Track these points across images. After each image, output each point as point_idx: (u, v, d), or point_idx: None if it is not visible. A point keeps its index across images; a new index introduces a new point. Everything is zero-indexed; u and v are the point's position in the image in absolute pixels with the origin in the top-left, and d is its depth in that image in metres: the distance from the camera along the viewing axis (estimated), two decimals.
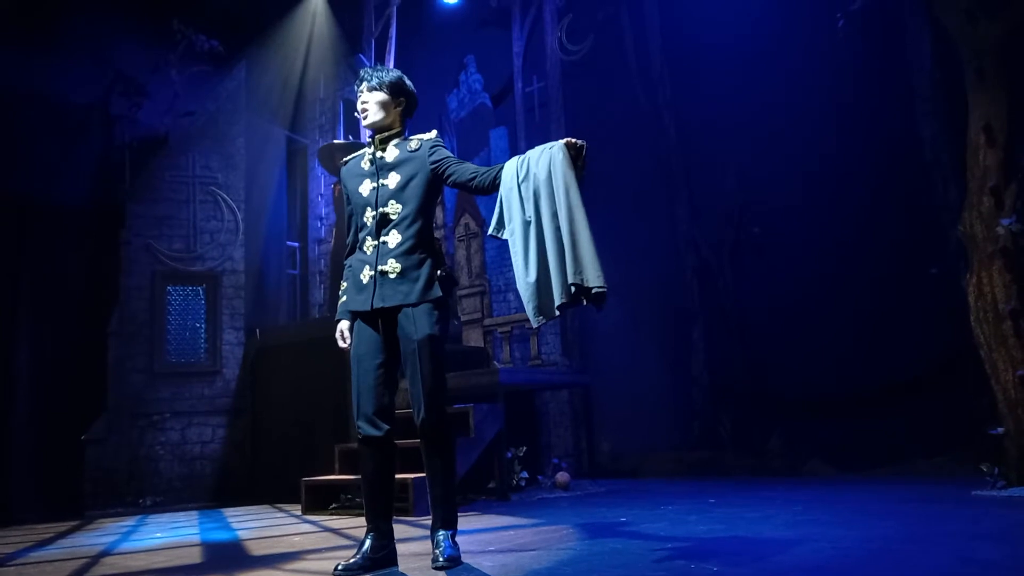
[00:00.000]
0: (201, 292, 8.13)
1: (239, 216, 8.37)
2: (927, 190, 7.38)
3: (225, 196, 8.34)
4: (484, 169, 3.19)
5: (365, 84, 3.21)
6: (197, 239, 8.16)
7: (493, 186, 3.15)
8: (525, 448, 6.94)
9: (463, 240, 9.51)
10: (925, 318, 7.17)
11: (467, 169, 3.18)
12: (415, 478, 5.23)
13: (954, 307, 6.18)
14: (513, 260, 3.05)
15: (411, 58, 10.06)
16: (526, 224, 3.03)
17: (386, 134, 3.25)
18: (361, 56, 9.73)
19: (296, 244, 9.73)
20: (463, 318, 9.26)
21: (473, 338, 9.10)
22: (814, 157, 8.09)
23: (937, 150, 7.33)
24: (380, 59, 9.61)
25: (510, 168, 3.14)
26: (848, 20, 7.09)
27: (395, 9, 9.77)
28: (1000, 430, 4.93)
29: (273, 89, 9.56)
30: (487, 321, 9.19)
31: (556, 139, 9.65)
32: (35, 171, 7.55)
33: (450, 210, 10.13)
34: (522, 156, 3.13)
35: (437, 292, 3.02)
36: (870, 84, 7.91)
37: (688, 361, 9.13)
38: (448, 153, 3.19)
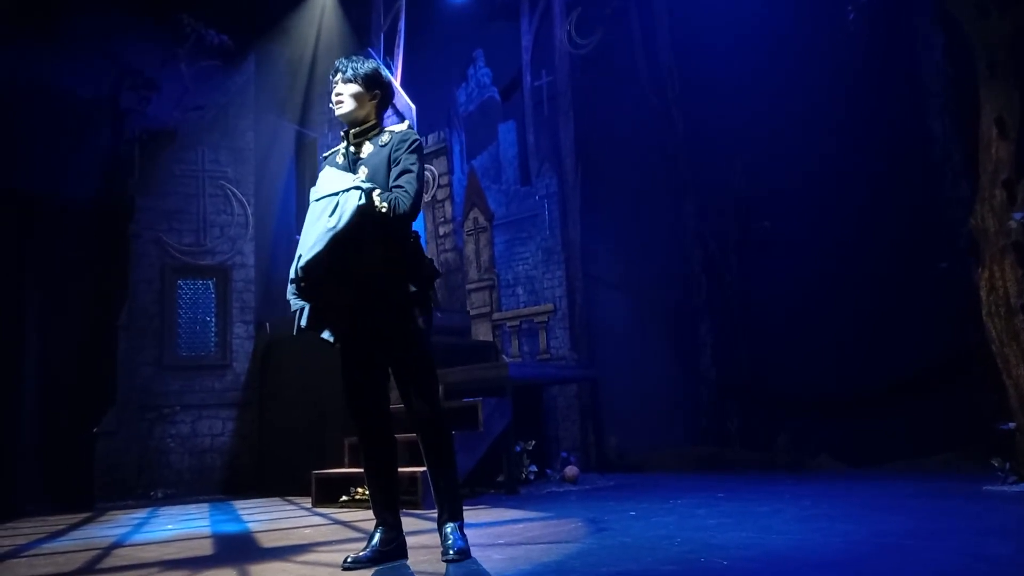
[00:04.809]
0: (211, 286, 8.16)
1: (249, 210, 8.39)
2: (936, 186, 7.34)
3: (235, 190, 8.36)
4: (394, 184, 3.01)
5: (340, 75, 3.15)
6: (207, 233, 8.19)
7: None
8: (533, 442, 6.95)
9: (472, 234, 9.52)
10: (933, 315, 7.14)
11: (393, 176, 3.04)
12: (423, 471, 5.24)
13: (962, 304, 6.16)
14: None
15: (420, 52, 10.07)
16: None
17: (361, 128, 3.18)
18: (370, 50, 9.72)
19: None
20: (472, 312, 9.27)
21: (482, 332, 9.12)
22: (822, 153, 8.06)
23: (947, 146, 7.29)
24: (389, 53, 9.60)
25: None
26: (858, 12, 7.05)
27: (404, 3, 9.76)
28: (1011, 425, 4.91)
29: (282, 83, 9.58)
30: (496, 315, 9.20)
31: (564, 134, 9.61)
32: (44, 165, 7.58)
33: (459, 204, 10.14)
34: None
35: (411, 288, 3.00)
36: (879, 79, 7.87)
37: (695, 356, 9.12)
38: (406, 152, 3.04)
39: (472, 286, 9.45)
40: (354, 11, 9.88)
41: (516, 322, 9.16)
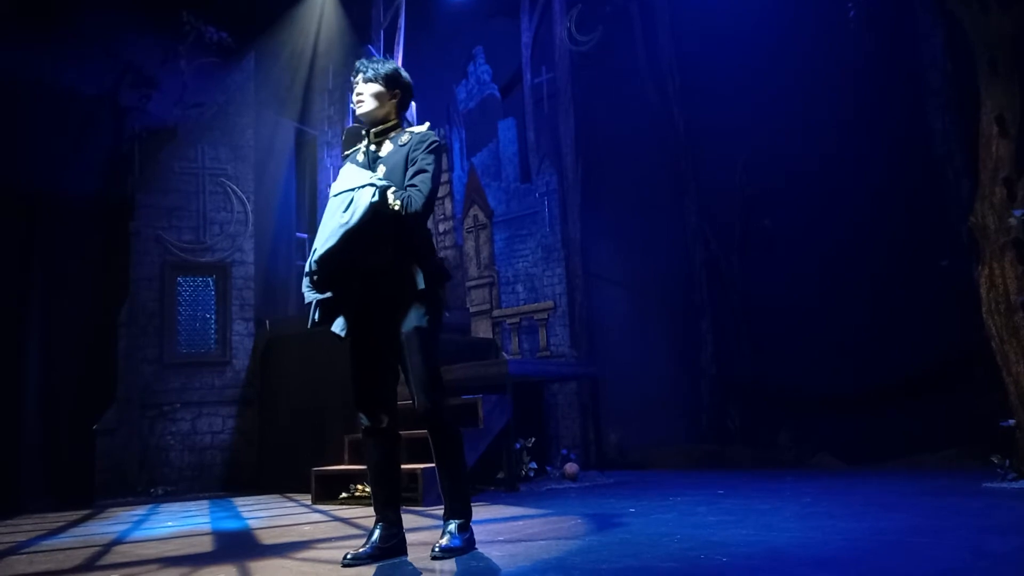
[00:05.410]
0: (211, 283, 8.15)
1: (248, 207, 8.38)
2: (938, 184, 7.34)
3: (234, 187, 8.35)
4: (408, 183, 3.03)
5: (361, 75, 3.21)
6: (207, 230, 8.18)
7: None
8: (533, 439, 6.95)
9: (471, 231, 9.52)
10: (934, 312, 7.15)
11: (409, 175, 3.07)
12: (424, 468, 5.25)
13: (964, 301, 6.16)
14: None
15: (420, 49, 10.05)
16: None
17: (381, 127, 3.23)
18: (370, 47, 9.71)
19: (305, 235, 9.75)
20: (472, 309, 9.27)
21: (482, 329, 9.12)
22: (823, 151, 8.06)
23: (949, 143, 7.29)
24: (389, 50, 9.60)
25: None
26: (859, 10, 7.05)
27: (404, 0, 9.76)
28: (1011, 422, 4.91)
29: (282, 81, 9.57)
30: (495, 312, 9.20)
31: (565, 131, 9.59)
32: (45, 162, 7.58)
33: (459, 202, 10.14)
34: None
35: (420, 285, 3.01)
36: (880, 77, 7.87)
37: (696, 354, 9.12)
38: (424, 152, 3.08)
39: (472, 283, 9.45)
40: (354, 8, 9.86)
41: (516, 319, 9.16)
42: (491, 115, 10.66)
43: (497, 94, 10.80)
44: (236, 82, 8.63)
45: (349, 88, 9.60)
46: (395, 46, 9.51)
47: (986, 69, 5.22)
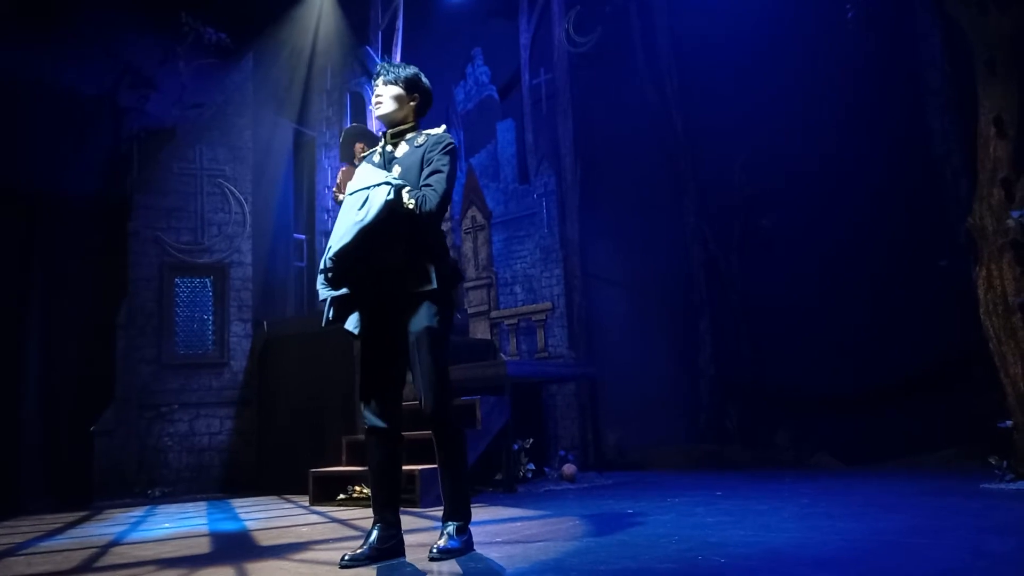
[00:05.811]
0: (208, 284, 8.14)
1: (246, 208, 8.37)
2: (937, 184, 7.34)
3: (232, 188, 8.34)
4: (423, 183, 3.08)
5: (382, 78, 3.28)
6: (205, 231, 8.17)
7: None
8: (532, 440, 6.94)
9: (469, 232, 9.51)
10: (934, 312, 7.14)
11: (424, 176, 3.11)
12: (422, 469, 5.24)
13: (963, 301, 6.16)
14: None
15: (418, 50, 10.05)
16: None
17: (399, 128, 3.29)
18: (368, 48, 9.71)
19: (303, 236, 9.74)
20: (470, 310, 9.26)
21: (480, 330, 9.11)
22: (822, 151, 8.06)
23: (948, 144, 7.30)
24: (387, 51, 9.59)
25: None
26: (857, 11, 7.05)
27: (402, 1, 9.76)
28: (1009, 423, 4.91)
29: (280, 81, 9.56)
30: (494, 313, 9.19)
31: (563, 133, 9.59)
32: (45, 163, 7.57)
33: (457, 203, 10.14)
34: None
35: (433, 284, 3.02)
36: (879, 77, 7.87)
37: (695, 354, 9.12)
38: (439, 153, 3.14)
39: (470, 284, 9.44)
40: (352, 9, 9.86)
41: (514, 320, 9.15)
42: (489, 116, 10.66)
43: (495, 95, 10.80)
44: (234, 83, 8.62)
45: (347, 89, 9.64)
46: (393, 47, 9.51)
47: (984, 70, 5.22)
